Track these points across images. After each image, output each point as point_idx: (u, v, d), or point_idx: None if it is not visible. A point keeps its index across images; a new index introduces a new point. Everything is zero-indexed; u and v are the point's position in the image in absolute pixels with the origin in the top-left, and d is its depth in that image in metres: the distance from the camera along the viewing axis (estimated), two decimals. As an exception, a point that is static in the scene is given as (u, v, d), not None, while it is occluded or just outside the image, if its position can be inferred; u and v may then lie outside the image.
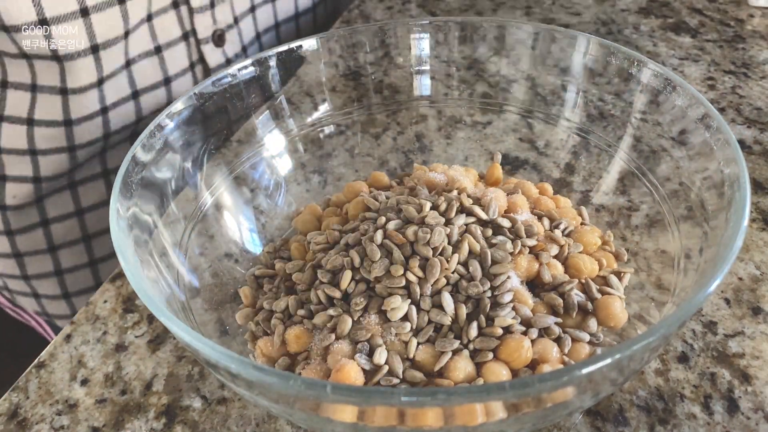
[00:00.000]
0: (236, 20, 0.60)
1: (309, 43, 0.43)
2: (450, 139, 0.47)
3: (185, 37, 0.56)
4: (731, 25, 0.62)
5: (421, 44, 0.45)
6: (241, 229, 0.41)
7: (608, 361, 0.23)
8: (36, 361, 0.38)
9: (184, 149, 0.38)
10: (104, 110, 0.53)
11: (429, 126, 0.47)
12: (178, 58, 0.56)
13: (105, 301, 0.42)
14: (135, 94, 0.54)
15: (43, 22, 0.46)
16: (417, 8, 0.69)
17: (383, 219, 0.34)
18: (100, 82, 0.51)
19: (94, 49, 0.49)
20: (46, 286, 0.61)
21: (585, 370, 0.23)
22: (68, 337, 0.40)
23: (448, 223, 0.33)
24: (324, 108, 0.46)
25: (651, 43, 0.60)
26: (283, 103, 0.44)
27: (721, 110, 0.51)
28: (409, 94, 0.46)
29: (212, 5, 0.56)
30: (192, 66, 0.58)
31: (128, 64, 0.53)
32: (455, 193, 0.35)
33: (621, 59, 0.39)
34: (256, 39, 0.64)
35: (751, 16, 0.63)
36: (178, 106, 0.38)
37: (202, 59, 0.58)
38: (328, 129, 0.46)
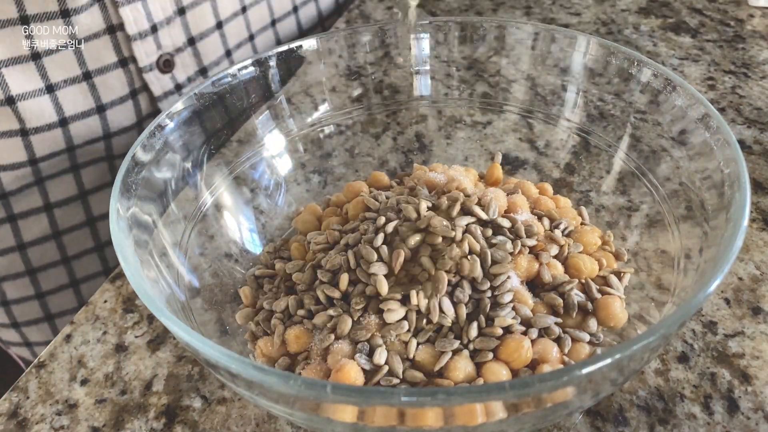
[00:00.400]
0: (192, 41, 0.56)
1: (309, 43, 0.43)
2: (450, 139, 0.47)
3: (123, 63, 0.52)
4: (731, 25, 0.62)
5: (421, 44, 0.45)
6: (241, 229, 0.41)
7: (608, 361, 0.23)
8: (36, 360, 0.38)
9: (184, 149, 0.38)
10: (24, 132, 0.50)
11: (429, 126, 0.47)
12: (113, 85, 0.53)
13: (105, 301, 0.42)
14: (63, 122, 0.51)
15: None
16: (417, 8, 0.69)
17: (383, 219, 0.34)
18: (10, 101, 0.48)
19: None
20: None
21: (585, 370, 0.23)
22: (68, 337, 0.40)
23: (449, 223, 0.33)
24: (324, 108, 0.46)
25: (651, 43, 0.60)
26: (283, 103, 0.44)
27: (721, 110, 0.51)
28: (409, 94, 0.46)
29: (154, 30, 0.52)
30: (134, 93, 0.54)
31: (51, 89, 0.50)
32: (457, 192, 0.35)
33: (621, 59, 0.39)
34: (226, 56, 0.60)
35: (751, 16, 0.63)
36: (178, 106, 0.38)
37: (146, 87, 0.54)
38: (328, 129, 0.46)
